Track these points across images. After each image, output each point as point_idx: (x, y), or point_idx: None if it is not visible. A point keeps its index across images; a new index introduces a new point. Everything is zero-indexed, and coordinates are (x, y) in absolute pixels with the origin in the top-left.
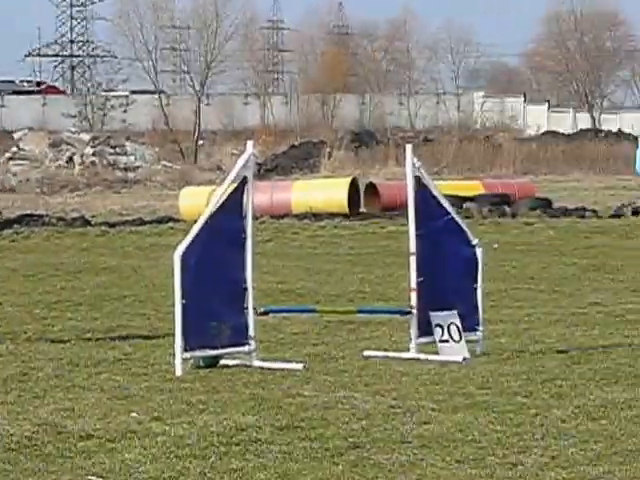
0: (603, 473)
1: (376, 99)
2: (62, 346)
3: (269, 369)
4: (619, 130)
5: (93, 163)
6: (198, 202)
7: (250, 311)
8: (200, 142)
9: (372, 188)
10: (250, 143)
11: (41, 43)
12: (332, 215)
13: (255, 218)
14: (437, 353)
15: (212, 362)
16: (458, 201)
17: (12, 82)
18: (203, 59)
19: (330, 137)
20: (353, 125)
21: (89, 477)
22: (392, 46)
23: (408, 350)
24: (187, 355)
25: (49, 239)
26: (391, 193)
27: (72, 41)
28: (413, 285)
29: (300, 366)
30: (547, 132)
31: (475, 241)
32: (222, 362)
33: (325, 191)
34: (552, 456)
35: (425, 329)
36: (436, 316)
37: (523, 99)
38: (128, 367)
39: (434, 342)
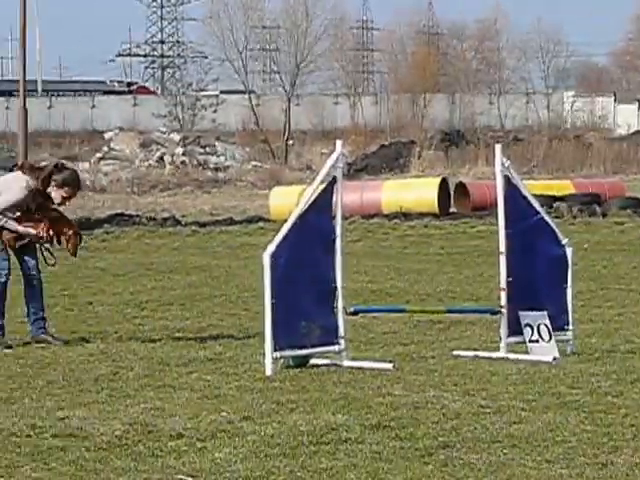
0: None
1: (466, 99)
2: (153, 345)
3: (359, 368)
4: None
5: (183, 163)
6: (288, 202)
7: (340, 311)
8: (290, 142)
9: (462, 188)
10: (339, 143)
11: (132, 44)
12: (422, 215)
13: (345, 218)
14: (527, 353)
15: (302, 362)
16: (548, 201)
17: (103, 82)
18: (293, 59)
19: (420, 137)
20: (443, 125)
21: (179, 476)
22: (482, 46)
23: (498, 350)
24: (277, 355)
25: (140, 239)
26: (481, 193)
27: (162, 42)
28: (503, 285)
29: (390, 365)
30: (637, 131)
31: (565, 241)
32: (312, 362)
33: (415, 191)
34: None
35: (515, 329)
36: (525, 316)
37: (613, 98)
38: (218, 367)
39: (524, 342)
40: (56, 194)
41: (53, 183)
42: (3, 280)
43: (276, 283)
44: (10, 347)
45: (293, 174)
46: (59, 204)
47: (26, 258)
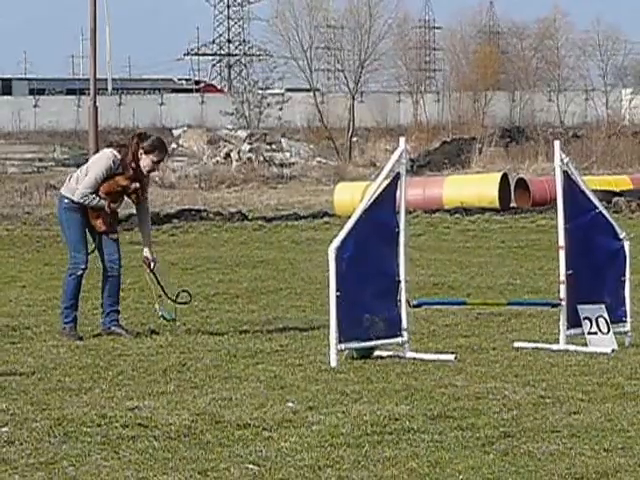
0: None
1: (526, 96)
2: (220, 337)
3: (421, 360)
4: None
5: (250, 159)
6: (352, 197)
7: (403, 303)
8: (354, 139)
9: (522, 183)
10: (403, 139)
11: (199, 42)
12: (483, 210)
13: (408, 212)
14: (586, 345)
15: (366, 353)
16: (607, 196)
17: (171, 81)
18: (357, 58)
19: (481, 133)
20: (503, 122)
21: (246, 465)
22: (541, 44)
23: (557, 342)
24: (342, 346)
25: (207, 233)
26: (541, 188)
27: (229, 40)
28: (562, 278)
29: (452, 357)
30: None
31: (623, 234)
32: (376, 353)
33: (476, 186)
34: None
35: (574, 321)
36: (584, 309)
37: None
38: (284, 358)
39: (583, 334)
40: (146, 161)
41: (141, 151)
42: (79, 273)
43: (341, 276)
44: (81, 339)
45: (357, 170)
46: (149, 171)
47: (108, 251)
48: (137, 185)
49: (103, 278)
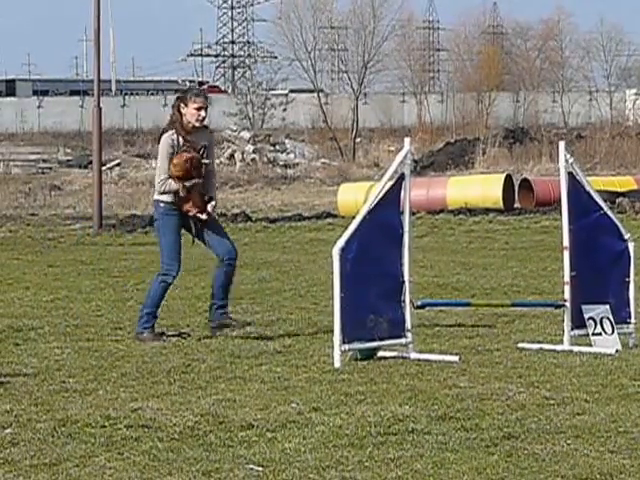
0: None
1: (530, 97)
2: (223, 338)
3: (425, 361)
4: None
5: (254, 160)
6: (356, 198)
7: (407, 304)
8: (358, 140)
9: (526, 184)
10: (407, 140)
11: (203, 44)
12: (487, 210)
13: (412, 213)
14: (590, 345)
15: (369, 354)
16: (611, 196)
17: (175, 82)
18: (360, 59)
19: (484, 134)
20: (507, 122)
21: (249, 466)
22: (545, 45)
23: (562, 342)
24: (345, 347)
25: None
26: (545, 189)
27: (233, 42)
28: (566, 279)
29: (456, 358)
30: None
31: (627, 235)
32: (380, 354)
33: (480, 187)
34: None
35: (578, 322)
36: (588, 309)
37: None
38: (288, 359)
39: (587, 335)
40: (190, 113)
41: (182, 106)
42: (170, 281)
43: (345, 277)
44: (163, 335)
45: (361, 171)
46: (198, 120)
47: (221, 242)
48: (200, 144)
49: (218, 271)
